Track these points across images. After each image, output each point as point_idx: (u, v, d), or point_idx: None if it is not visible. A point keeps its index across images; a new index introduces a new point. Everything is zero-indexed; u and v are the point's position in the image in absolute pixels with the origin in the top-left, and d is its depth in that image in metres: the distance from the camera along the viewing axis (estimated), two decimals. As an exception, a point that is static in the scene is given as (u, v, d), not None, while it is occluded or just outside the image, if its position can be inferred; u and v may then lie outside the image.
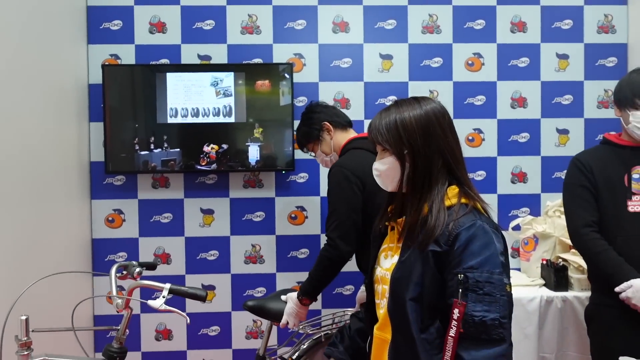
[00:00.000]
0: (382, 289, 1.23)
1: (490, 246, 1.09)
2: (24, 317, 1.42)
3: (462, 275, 1.07)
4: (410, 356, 1.12)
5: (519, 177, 2.75)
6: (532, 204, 2.75)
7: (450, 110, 2.70)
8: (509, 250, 2.69)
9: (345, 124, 2.13)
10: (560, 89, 2.75)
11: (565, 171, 1.97)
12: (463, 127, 2.73)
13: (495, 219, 2.69)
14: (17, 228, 1.96)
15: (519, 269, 2.69)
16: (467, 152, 2.71)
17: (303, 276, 2.67)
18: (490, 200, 2.69)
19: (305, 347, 2.23)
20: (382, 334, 1.22)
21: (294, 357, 2.19)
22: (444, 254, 1.11)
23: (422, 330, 1.12)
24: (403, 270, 1.15)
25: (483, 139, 2.75)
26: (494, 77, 2.74)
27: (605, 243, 1.78)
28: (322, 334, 2.19)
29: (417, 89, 2.71)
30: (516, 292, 2.21)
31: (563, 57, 2.75)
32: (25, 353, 1.42)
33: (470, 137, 2.74)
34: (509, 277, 1.11)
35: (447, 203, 1.15)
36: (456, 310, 1.06)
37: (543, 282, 2.39)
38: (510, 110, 2.75)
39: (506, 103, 2.75)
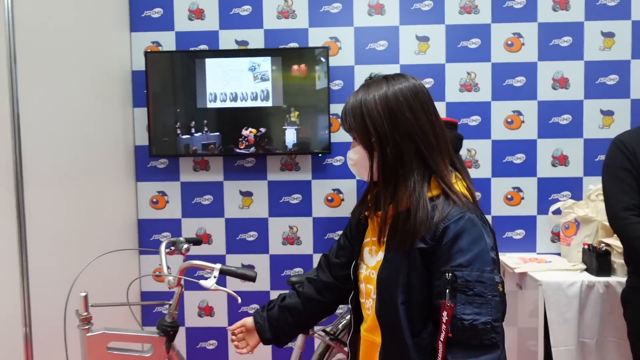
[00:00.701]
0: (367, 289, 1.16)
1: (480, 242, 1.00)
2: (83, 294, 1.50)
3: (450, 274, 0.99)
4: None
5: (560, 160, 2.69)
6: (574, 187, 2.69)
7: (488, 92, 2.66)
8: (549, 235, 2.68)
9: None
10: (605, 69, 2.65)
11: (608, 153, 1.91)
12: (502, 109, 2.68)
13: (534, 203, 2.66)
14: (71, 210, 2.08)
15: (559, 254, 2.65)
16: (506, 134, 2.68)
17: (339, 258, 2.73)
18: (530, 184, 2.68)
19: (345, 321, 2.29)
20: (370, 337, 1.16)
21: (334, 330, 2.25)
22: (431, 250, 1.02)
23: (414, 335, 1.05)
24: (389, 271, 1.08)
25: (522, 121, 2.69)
26: (534, 57, 2.67)
27: None
28: None
29: (454, 70, 2.68)
30: (556, 277, 2.23)
31: (608, 35, 2.65)
32: (86, 327, 1.52)
33: (509, 120, 2.69)
34: (500, 274, 1.03)
35: (429, 194, 1.06)
36: (445, 313, 0.98)
37: (584, 266, 2.35)
38: (551, 91, 2.67)
39: (547, 84, 2.67)
